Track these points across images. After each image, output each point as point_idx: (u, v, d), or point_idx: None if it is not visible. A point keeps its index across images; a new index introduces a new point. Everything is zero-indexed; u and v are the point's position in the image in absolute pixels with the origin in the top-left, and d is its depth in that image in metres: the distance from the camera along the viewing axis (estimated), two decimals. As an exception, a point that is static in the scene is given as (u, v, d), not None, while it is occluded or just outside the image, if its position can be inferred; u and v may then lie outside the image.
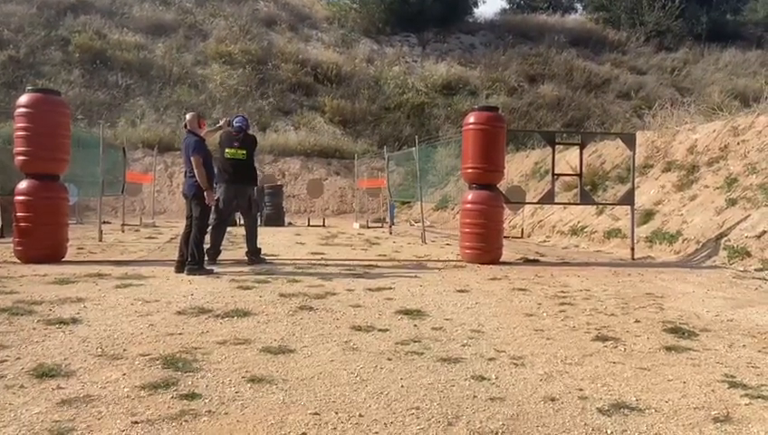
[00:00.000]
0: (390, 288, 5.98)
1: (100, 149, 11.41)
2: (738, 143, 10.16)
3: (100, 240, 10.62)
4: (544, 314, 4.88)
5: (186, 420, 2.57)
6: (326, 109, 25.24)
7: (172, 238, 11.88)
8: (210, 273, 6.78)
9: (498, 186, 8.72)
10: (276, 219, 16.70)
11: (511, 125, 24.54)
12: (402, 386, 3.05)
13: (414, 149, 13.14)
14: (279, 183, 19.56)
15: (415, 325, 4.41)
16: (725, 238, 8.46)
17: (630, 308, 5.19)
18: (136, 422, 2.54)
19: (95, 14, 27.08)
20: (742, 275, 7.21)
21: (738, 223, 8.56)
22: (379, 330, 4.23)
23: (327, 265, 7.75)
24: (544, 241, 12.16)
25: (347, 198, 22.10)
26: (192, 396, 2.86)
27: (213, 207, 7.20)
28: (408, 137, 23.80)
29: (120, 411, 2.65)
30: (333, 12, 32.30)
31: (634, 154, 9.33)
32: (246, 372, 3.23)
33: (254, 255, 7.94)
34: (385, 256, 9.15)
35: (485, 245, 8.22)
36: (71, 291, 5.48)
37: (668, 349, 3.84)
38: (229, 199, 7.83)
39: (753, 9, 33.29)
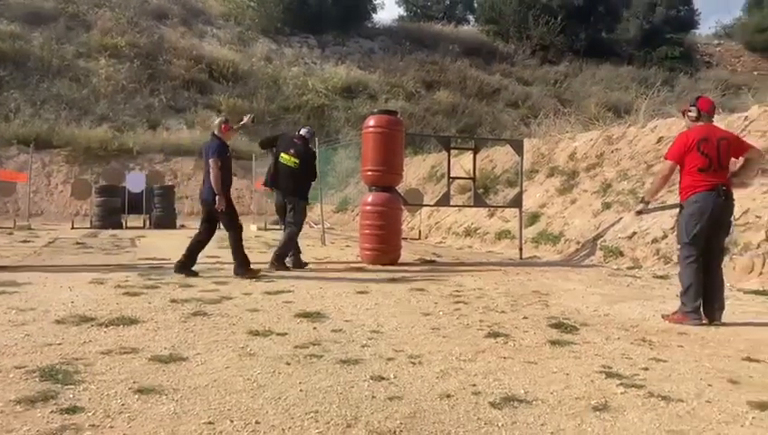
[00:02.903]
0: (290, 291, 5.90)
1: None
2: (612, 151, 11.01)
3: (-34, 244, 9.66)
4: (441, 313, 5.02)
5: (66, 437, 2.40)
6: (222, 108, 24.45)
7: (50, 242, 11.04)
8: (259, 275, 6.77)
9: (397, 188, 8.88)
10: (167, 222, 15.98)
11: (409, 129, 25.05)
12: (301, 390, 3.02)
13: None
14: (170, 183, 18.73)
15: (314, 328, 4.38)
16: (602, 239, 9.14)
17: (519, 305, 5.47)
18: (8, 442, 2.33)
19: (-38, -3, 24.65)
20: (616, 273, 7.81)
21: (612, 225, 9.27)
22: (278, 334, 4.16)
23: (223, 269, 7.50)
24: (441, 242, 12.53)
25: (245, 199, 21.53)
26: (73, 410, 2.67)
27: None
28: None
29: (-10, 431, 2.43)
30: (229, 9, 31.48)
31: (522, 159, 9.85)
32: (134, 382, 3.06)
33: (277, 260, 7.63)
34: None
35: (385, 246, 8.34)
36: (-71, 301, 4.94)
37: (553, 343, 4.09)
38: (282, 205, 7.77)
39: (626, 29, 36.22)
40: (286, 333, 4.18)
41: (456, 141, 13.79)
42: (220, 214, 6.77)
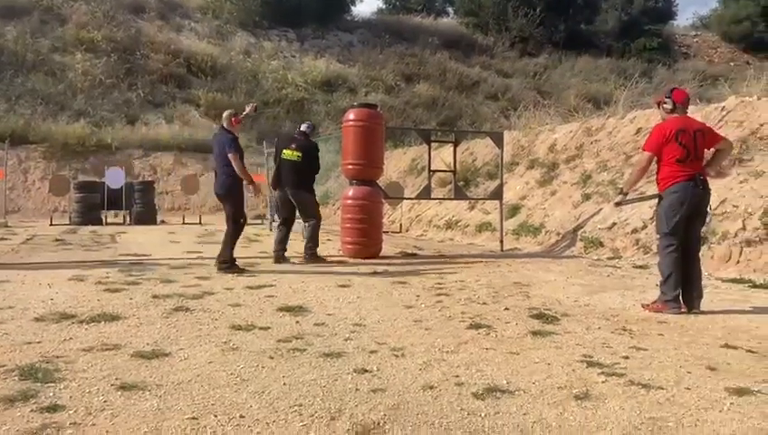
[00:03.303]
0: (272, 285, 5.88)
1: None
2: (592, 143, 11.11)
3: (-61, 243, 9.47)
4: (423, 306, 5.05)
5: (48, 434, 2.38)
6: (201, 102, 24.23)
7: (28, 239, 10.87)
8: (242, 272, 6.70)
9: (378, 181, 8.87)
10: (148, 217, 15.81)
11: (389, 123, 25.02)
12: (284, 384, 3.02)
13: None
14: (150, 179, 18.54)
15: (297, 322, 4.38)
16: (582, 230, 9.23)
17: (500, 297, 5.52)
18: (-12, 442, 2.30)
19: (-69, -10, 24.03)
20: (596, 264, 7.91)
21: (592, 216, 9.37)
22: (260, 328, 4.15)
23: (204, 265, 7.45)
24: (422, 235, 12.56)
25: (224, 194, 21.40)
26: (54, 408, 2.64)
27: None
28: (289, 132, 23.41)
29: (-32, 432, 2.39)
30: (207, 2, 31.06)
31: (502, 152, 9.88)
32: (116, 379, 3.03)
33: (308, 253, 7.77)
34: (266, 253, 8.97)
35: (366, 240, 8.34)
36: None
37: (534, 333, 4.13)
38: (285, 200, 7.77)
39: (604, 20, 36.49)
40: (269, 328, 4.17)
41: (436, 134, 13.80)
42: (228, 205, 6.88)
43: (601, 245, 8.70)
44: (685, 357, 3.60)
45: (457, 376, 3.17)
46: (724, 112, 9.19)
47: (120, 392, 2.85)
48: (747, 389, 3.01)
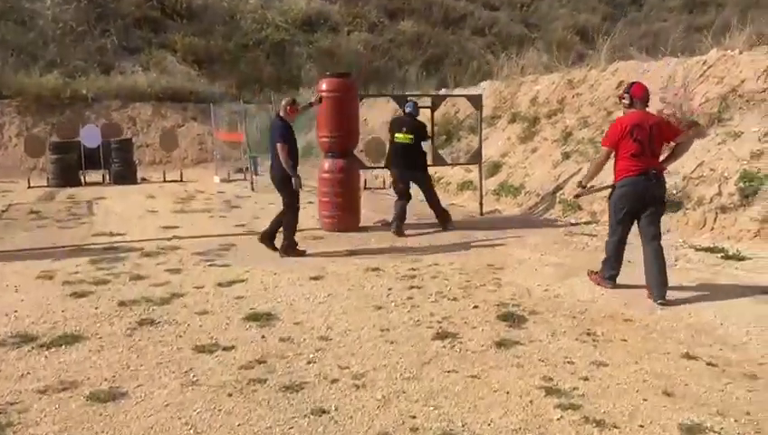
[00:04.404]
0: (243, 280, 5.82)
1: None
2: (573, 96, 10.83)
3: None
4: (392, 305, 5.02)
5: None
6: (177, 47, 23.38)
7: (3, 211, 10.66)
8: (303, 254, 6.90)
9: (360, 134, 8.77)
10: (127, 176, 15.53)
11: (373, 63, 24.33)
12: (238, 436, 3.01)
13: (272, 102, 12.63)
14: (128, 136, 18.09)
15: (263, 336, 4.35)
16: (561, 192, 9.16)
17: (472, 287, 5.50)
18: None
19: None
20: (572, 232, 7.88)
21: (571, 176, 9.26)
22: (224, 349, 4.12)
23: (178, 248, 7.35)
24: (404, 192, 12.44)
25: (206, 145, 20.99)
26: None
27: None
28: (270, 77, 22.85)
29: None
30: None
31: (480, 114, 9.61)
32: (68, 437, 3.01)
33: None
34: (244, 225, 8.89)
35: (343, 213, 8.25)
36: None
37: (499, 345, 4.12)
38: (401, 179, 8.26)
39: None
40: (233, 347, 4.14)
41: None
42: (285, 194, 6.97)
43: (579, 208, 8.66)
44: (643, 377, 3.61)
45: (414, 417, 3.16)
46: (705, 67, 8.92)
47: (70, 457, 2.83)
48: (700, 426, 3.02)
